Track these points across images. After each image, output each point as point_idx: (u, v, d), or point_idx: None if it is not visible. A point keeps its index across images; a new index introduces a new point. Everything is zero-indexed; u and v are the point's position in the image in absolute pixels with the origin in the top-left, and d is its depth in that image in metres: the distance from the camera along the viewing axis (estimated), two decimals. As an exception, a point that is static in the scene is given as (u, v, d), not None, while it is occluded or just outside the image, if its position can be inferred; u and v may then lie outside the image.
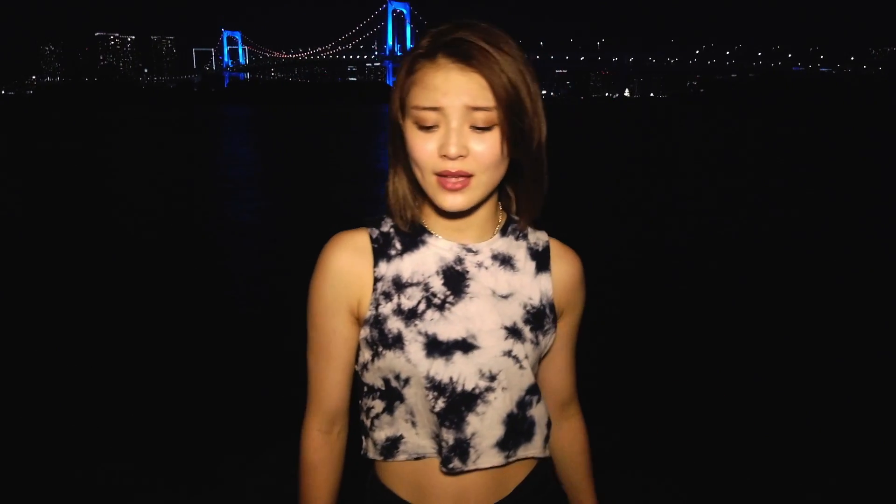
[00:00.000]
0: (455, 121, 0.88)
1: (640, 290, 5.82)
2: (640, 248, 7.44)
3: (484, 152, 0.90)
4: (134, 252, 7.13)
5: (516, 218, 1.06)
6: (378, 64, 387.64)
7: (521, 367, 1.00)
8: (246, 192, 12.01)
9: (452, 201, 0.92)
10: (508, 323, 1.00)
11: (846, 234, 8.17)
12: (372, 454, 1.04)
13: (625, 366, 4.06)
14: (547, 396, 1.12)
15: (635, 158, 19.06)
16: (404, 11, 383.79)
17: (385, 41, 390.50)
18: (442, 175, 0.91)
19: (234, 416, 3.21)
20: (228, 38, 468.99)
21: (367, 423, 1.04)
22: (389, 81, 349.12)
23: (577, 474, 1.19)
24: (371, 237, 1.01)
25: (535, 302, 1.04)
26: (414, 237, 1.01)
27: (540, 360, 1.08)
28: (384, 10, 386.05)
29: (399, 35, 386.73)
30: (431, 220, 1.02)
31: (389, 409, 1.01)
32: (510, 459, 1.02)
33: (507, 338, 0.99)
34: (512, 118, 0.89)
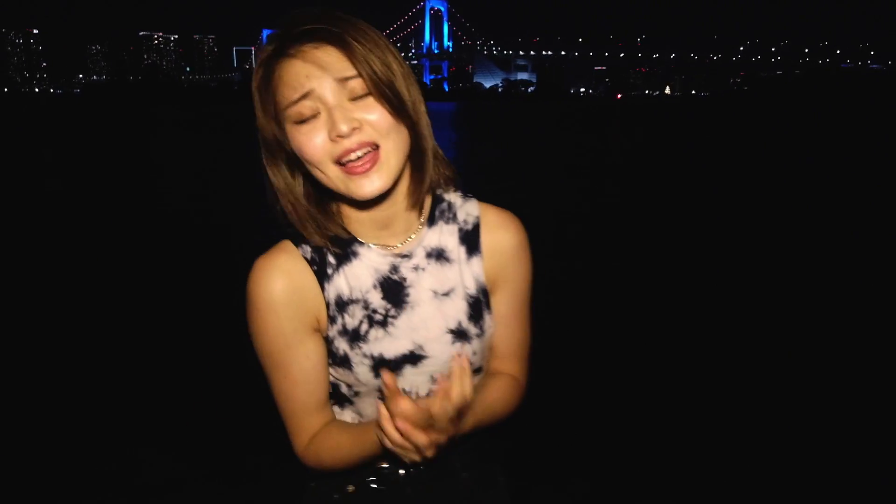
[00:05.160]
0: (332, 97, 0.84)
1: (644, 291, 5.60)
2: (647, 250, 6.99)
3: (375, 117, 0.86)
4: (180, 246, 7.08)
5: (444, 196, 1.04)
6: (415, 62, 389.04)
7: (470, 364, 0.96)
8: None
9: (370, 186, 0.87)
10: (453, 325, 0.99)
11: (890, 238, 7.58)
12: None
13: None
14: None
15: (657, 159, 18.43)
16: (442, 9, 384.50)
17: (422, 39, 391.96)
18: (343, 162, 0.86)
19: (271, 414, 3.31)
20: (268, 37, 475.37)
21: None
22: (426, 79, 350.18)
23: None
24: (306, 258, 0.97)
25: (472, 290, 1.02)
26: (344, 248, 0.97)
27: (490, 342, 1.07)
28: (421, 7, 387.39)
29: (437, 33, 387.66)
30: (354, 223, 0.98)
31: (339, 405, 1.05)
32: None
33: (453, 342, 0.98)
34: (380, 80, 0.85)
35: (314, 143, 0.85)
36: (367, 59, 0.84)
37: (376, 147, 0.86)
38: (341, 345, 0.96)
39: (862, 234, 8.14)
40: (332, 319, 0.96)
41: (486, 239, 1.03)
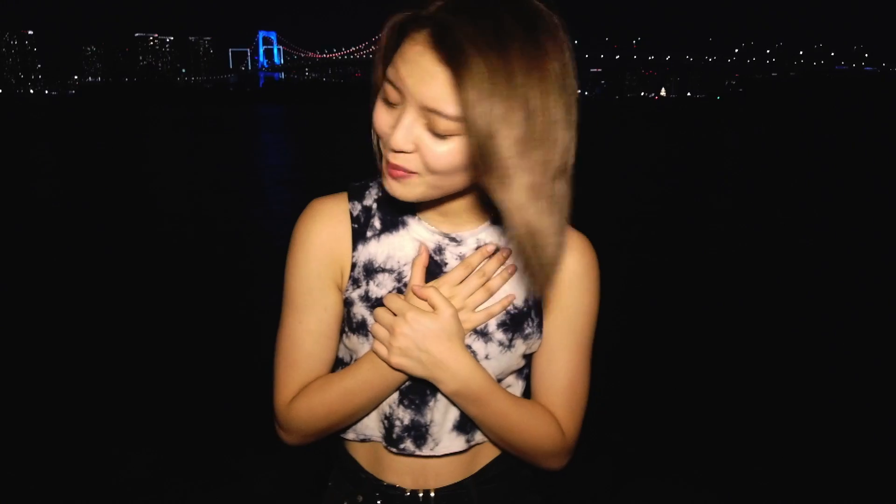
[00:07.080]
0: (410, 113, 0.74)
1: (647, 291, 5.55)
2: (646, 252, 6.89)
3: (434, 155, 0.75)
4: (167, 248, 6.91)
5: None
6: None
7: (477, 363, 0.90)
8: (276, 188, 11.73)
9: (393, 189, 0.81)
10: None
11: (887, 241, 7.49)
12: None
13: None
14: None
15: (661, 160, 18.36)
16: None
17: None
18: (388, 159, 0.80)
19: (251, 414, 3.25)
20: (264, 39, 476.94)
21: None
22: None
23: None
24: (351, 214, 0.93)
25: (519, 302, 0.92)
26: (396, 215, 0.92)
27: (518, 367, 0.96)
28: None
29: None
30: None
31: None
32: (471, 444, 0.95)
33: (469, 334, 0.91)
34: (479, 138, 0.69)
35: (379, 123, 0.79)
36: (479, 107, 0.67)
37: (413, 172, 0.78)
38: (360, 310, 0.91)
39: (857, 234, 8.06)
40: (354, 281, 0.92)
41: None
